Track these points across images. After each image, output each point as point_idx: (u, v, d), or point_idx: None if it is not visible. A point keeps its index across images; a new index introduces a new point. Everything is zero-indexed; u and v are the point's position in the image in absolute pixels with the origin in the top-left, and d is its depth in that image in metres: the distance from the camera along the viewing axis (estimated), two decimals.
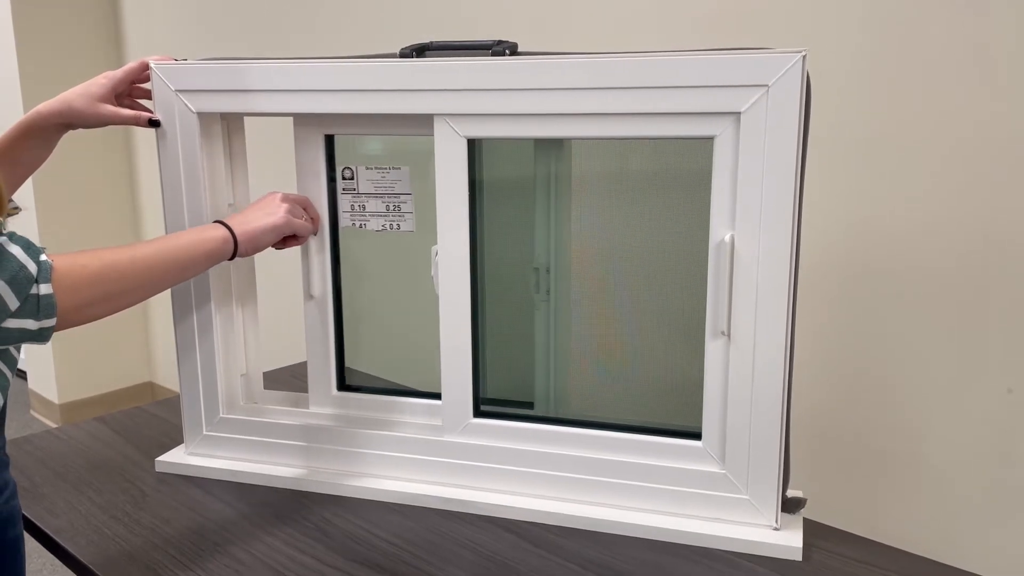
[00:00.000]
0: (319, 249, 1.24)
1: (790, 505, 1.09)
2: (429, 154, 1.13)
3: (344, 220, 1.24)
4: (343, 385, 1.30)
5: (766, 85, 0.96)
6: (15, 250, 0.84)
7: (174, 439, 1.36)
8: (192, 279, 1.19)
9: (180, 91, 1.16)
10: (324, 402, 1.29)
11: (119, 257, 0.96)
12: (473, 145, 1.12)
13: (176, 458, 1.28)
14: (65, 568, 1.11)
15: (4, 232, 0.84)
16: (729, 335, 1.03)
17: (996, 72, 1.29)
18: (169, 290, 1.21)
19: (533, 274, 1.20)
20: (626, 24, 1.71)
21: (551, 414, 1.22)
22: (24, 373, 3.63)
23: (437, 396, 1.21)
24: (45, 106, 1.12)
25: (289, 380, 1.66)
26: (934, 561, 1.03)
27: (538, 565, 1.03)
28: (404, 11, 2.14)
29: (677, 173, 1.10)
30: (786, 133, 0.97)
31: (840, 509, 1.48)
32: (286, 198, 1.16)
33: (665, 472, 1.09)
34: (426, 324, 1.19)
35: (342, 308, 1.27)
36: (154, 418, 1.47)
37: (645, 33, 1.68)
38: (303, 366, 1.33)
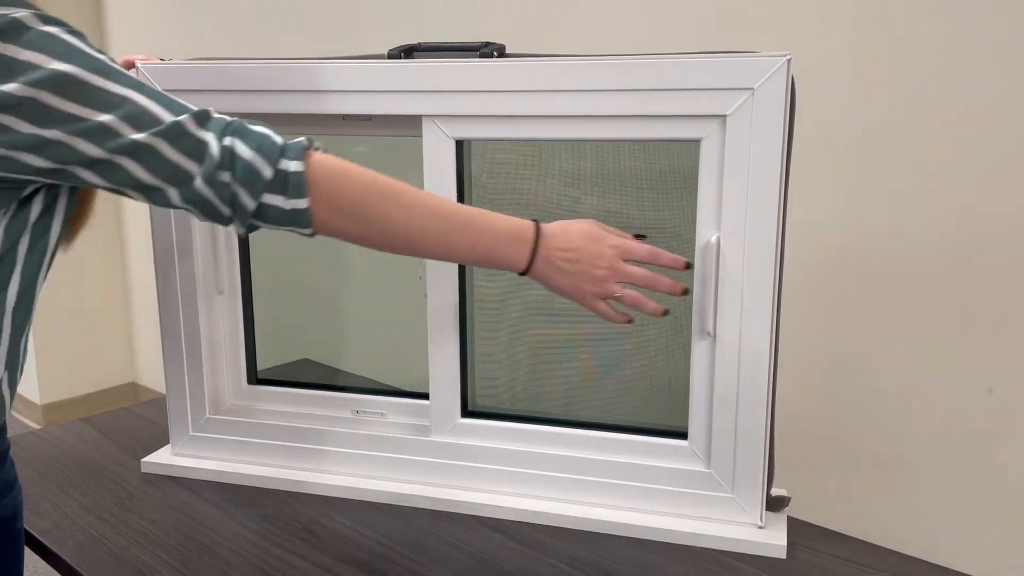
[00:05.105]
0: (228, 247, 1.27)
1: (775, 504, 1.10)
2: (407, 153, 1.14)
3: None
4: (255, 379, 1.34)
5: (751, 88, 0.97)
6: (258, 128, 0.83)
7: (160, 440, 1.36)
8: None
9: (167, 91, 1.15)
10: (240, 395, 1.33)
11: (399, 189, 0.86)
12: (461, 146, 1.12)
13: (162, 459, 1.28)
14: (50, 569, 1.11)
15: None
16: (715, 336, 1.04)
17: (986, 73, 1.30)
18: (156, 290, 1.21)
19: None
20: (614, 27, 1.72)
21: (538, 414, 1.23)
22: None
23: (418, 396, 1.23)
24: None
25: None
26: (917, 559, 1.05)
27: (525, 564, 1.03)
28: (392, 12, 2.14)
29: (664, 173, 1.11)
30: (771, 136, 0.98)
31: (824, 507, 1.50)
32: (622, 252, 0.90)
33: (651, 471, 1.10)
34: (412, 324, 1.20)
35: (252, 304, 1.32)
36: (140, 419, 1.46)
37: (633, 36, 1.69)
38: (291, 366, 1.33)
